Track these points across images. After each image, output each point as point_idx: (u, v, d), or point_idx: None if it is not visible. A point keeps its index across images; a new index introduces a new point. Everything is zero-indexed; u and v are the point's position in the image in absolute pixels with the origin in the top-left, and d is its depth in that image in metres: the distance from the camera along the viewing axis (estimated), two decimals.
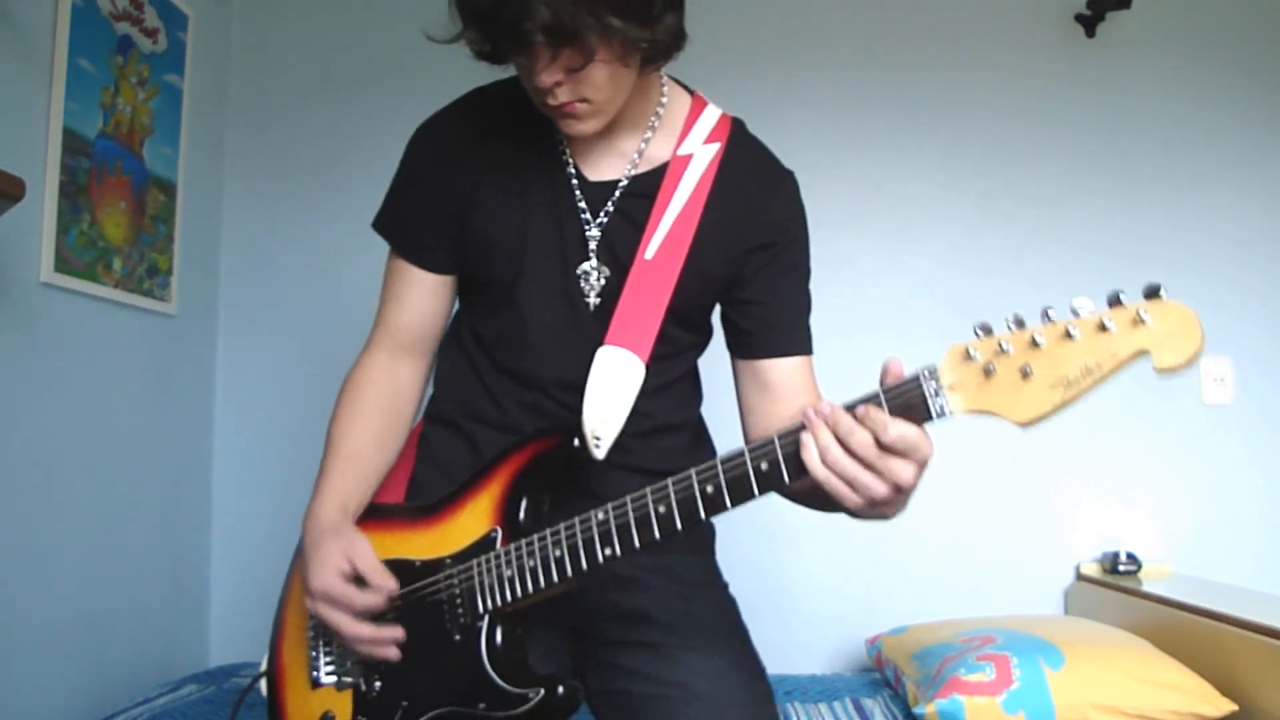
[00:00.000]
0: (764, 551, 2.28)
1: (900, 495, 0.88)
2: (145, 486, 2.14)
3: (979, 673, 1.70)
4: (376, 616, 1.06)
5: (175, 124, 2.24)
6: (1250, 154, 2.45)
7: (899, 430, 0.84)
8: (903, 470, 0.85)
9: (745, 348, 1.18)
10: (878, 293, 2.43)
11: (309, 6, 2.55)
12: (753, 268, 1.15)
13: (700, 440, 1.27)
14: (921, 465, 0.86)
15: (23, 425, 1.75)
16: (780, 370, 1.16)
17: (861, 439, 0.85)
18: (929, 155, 2.47)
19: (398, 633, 1.05)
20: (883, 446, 0.84)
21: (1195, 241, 2.41)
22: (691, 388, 1.26)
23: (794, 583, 2.33)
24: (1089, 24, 2.44)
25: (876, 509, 0.89)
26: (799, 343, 1.18)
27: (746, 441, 1.17)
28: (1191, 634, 1.80)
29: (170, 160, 2.22)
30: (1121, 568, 2.23)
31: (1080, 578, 2.33)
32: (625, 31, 0.95)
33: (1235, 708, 1.64)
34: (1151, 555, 2.28)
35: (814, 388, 1.18)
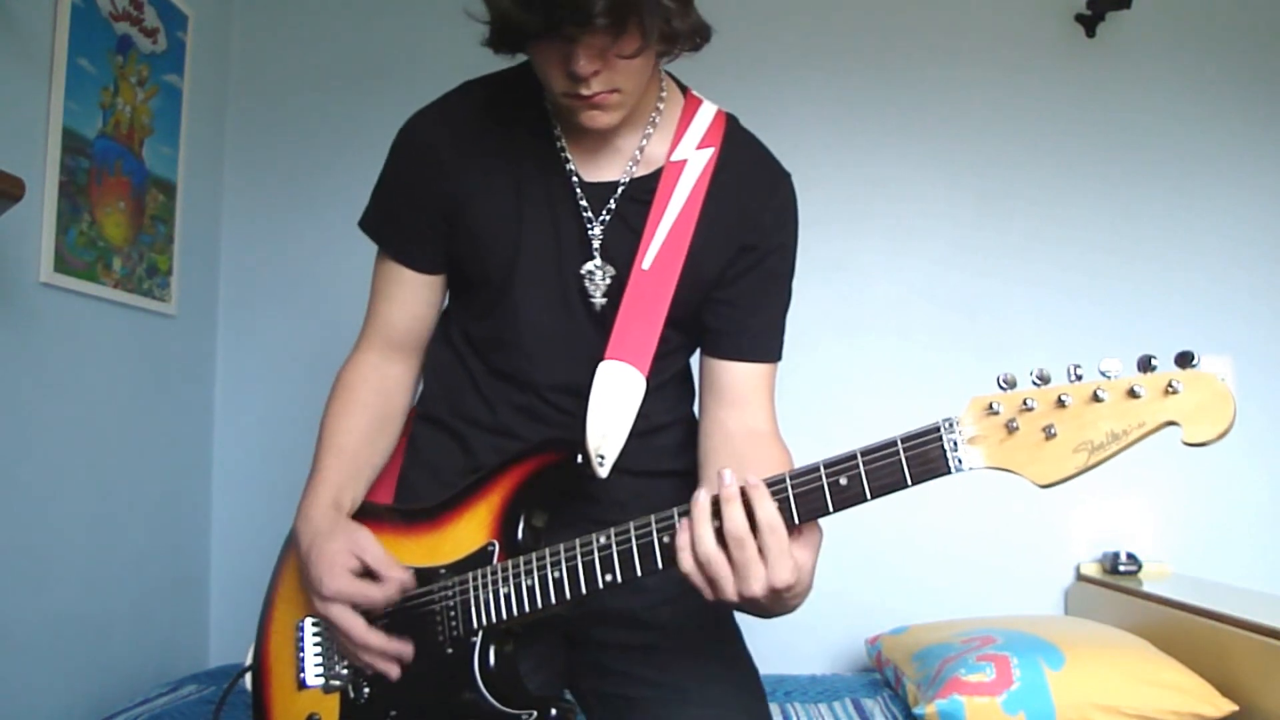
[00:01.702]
0: None
1: (749, 605, 0.88)
2: (145, 486, 2.14)
3: (979, 673, 1.70)
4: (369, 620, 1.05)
5: (175, 124, 2.24)
6: (1250, 154, 2.45)
7: (770, 520, 0.85)
8: (755, 581, 0.85)
9: (707, 344, 1.17)
10: (878, 293, 2.43)
11: (309, 6, 2.55)
12: (737, 267, 1.14)
13: (693, 437, 1.25)
14: (774, 590, 0.85)
15: (22, 425, 1.75)
16: (735, 375, 1.14)
17: (736, 518, 0.85)
18: (928, 155, 2.47)
19: (407, 647, 1.03)
20: (754, 529, 0.85)
21: (1195, 241, 2.42)
22: (684, 385, 1.25)
23: None
24: (1089, 24, 2.44)
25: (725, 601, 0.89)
26: (761, 350, 1.15)
27: (701, 445, 1.16)
28: (1191, 634, 1.80)
29: (170, 160, 2.22)
30: (1121, 568, 2.23)
31: (1080, 578, 2.33)
32: (672, 14, 0.95)
33: (1235, 708, 1.64)
34: (1151, 555, 2.28)
35: (767, 400, 1.16)
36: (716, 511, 0.88)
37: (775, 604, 0.88)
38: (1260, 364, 2.36)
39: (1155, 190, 2.44)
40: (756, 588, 0.85)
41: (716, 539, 0.87)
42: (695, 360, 1.26)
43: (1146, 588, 2.08)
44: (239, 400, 2.46)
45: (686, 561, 0.88)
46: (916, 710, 1.75)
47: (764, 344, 1.16)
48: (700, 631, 1.17)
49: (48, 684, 1.79)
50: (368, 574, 1.04)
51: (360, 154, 2.40)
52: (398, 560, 1.05)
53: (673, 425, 1.21)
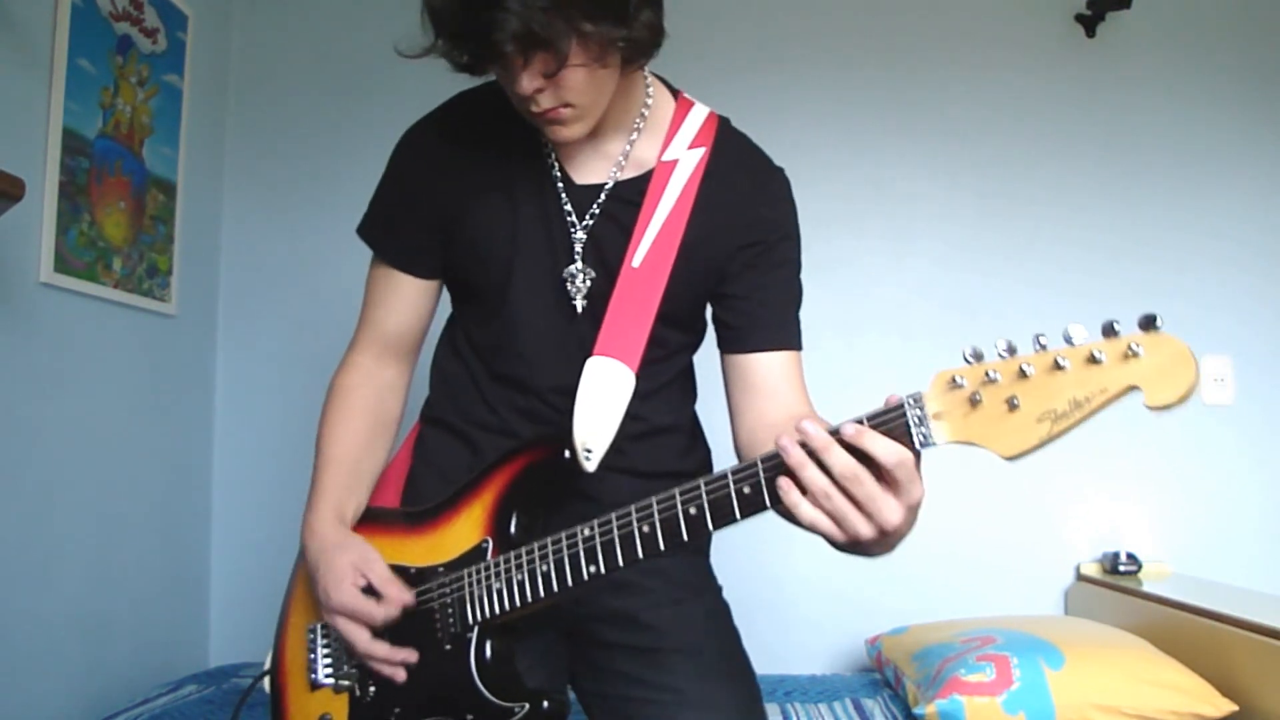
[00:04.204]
0: (764, 551, 2.28)
1: (886, 539, 0.84)
2: (145, 486, 2.14)
3: (979, 673, 1.70)
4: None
5: (175, 124, 2.24)
6: (1250, 154, 2.45)
7: (898, 454, 0.79)
8: (889, 510, 0.81)
9: (730, 341, 1.17)
10: (878, 293, 2.43)
11: (309, 6, 2.55)
12: (740, 263, 1.14)
13: (696, 441, 1.26)
14: (910, 509, 0.82)
15: (22, 425, 1.75)
16: (765, 366, 1.15)
17: (843, 460, 0.81)
18: (929, 155, 2.47)
19: (410, 655, 1.05)
20: (880, 475, 0.81)
21: (1195, 241, 2.42)
22: (685, 389, 1.26)
23: (794, 583, 2.33)
24: (1089, 24, 2.44)
25: (859, 548, 0.85)
26: (785, 338, 1.16)
27: (736, 444, 1.16)
28: (1191, 634, 1.80)
29: (170, 160, 2.22)
30: (1121, 568, 2.23)
31: (1080, 578, 2.33)
32: (600, 34, 0.94)
33: (1235, 708, 1.64)
34: (1151, 555, 2.28)
35: (801, 387, 1.16)
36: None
37: (907, 527, 0.85)
38: (1260, 364, 2.36)
39: (1155, 190, 2.44)
40: (893, 516, 0.81)
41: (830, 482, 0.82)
42: (699, 362, 1.26)
43: (1146, 588, 2.08)
44: (239, 400, 2.45)
45: (807, 512, 0.83)
46: (916, 710, 1.75)
47: (788, 332, 1.16)
48: (700, 634, 1.17)
49: (48, 684, 1.79)
50: (371, 590, 1.06)
51: (360, 154, 2.41)
52: (401, 582, 1.06)
53: (675, 428, 1.22)
